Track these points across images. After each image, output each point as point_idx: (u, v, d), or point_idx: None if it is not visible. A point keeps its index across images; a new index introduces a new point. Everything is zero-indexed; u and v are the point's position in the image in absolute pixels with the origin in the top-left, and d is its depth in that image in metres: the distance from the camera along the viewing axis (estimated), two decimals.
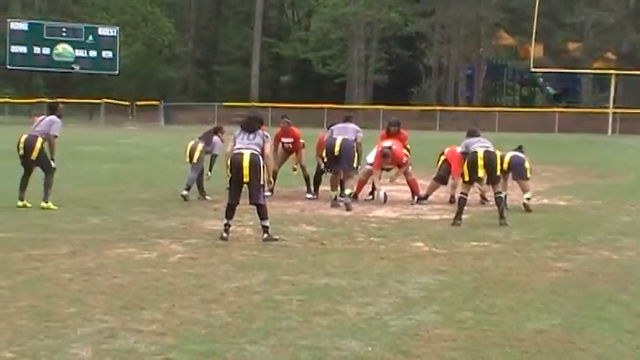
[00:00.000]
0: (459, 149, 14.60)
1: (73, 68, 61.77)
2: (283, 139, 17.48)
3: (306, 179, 17.32)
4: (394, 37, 67.15)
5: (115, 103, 60.68)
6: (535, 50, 58.48)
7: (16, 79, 65.93)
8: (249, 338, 6.79)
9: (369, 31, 67.22)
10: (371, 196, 16.97)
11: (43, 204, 14.30)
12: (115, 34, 62.92)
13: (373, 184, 16.86)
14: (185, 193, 15.85)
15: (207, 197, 16.18)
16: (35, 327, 6.98)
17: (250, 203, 11.70)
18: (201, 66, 76.21)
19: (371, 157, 16.78)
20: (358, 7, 63.45)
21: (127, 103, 61.56)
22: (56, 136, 14.53)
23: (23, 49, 60.57)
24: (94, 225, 12.80)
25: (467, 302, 8.15)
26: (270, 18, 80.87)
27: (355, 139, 15.79)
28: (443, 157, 16.80)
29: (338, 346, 6.61)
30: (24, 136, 14.54)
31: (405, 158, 16.39)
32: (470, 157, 13.72)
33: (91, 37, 61.71)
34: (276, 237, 11.67)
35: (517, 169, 15.55)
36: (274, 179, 16.40)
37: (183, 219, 13.50)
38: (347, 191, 15.62)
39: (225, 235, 11.54)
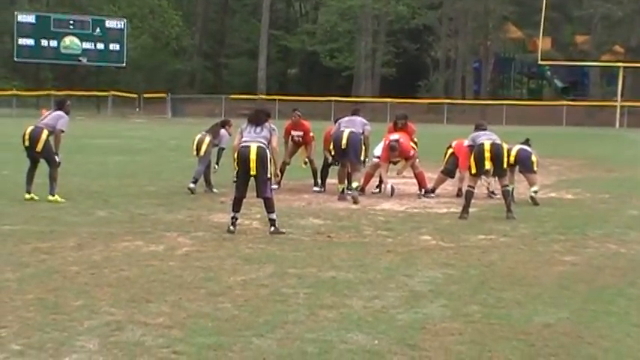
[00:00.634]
0: (466, 142, 14.58)
1: (80, 61, 61.86)
2: (293, 132, 17.49)
3: (314, 172, 17.32)
4: (402, 30, 67.12)
5: (123, 96, 60.80)
6: (543, 43, 58.40)
7: (24, 72, 66.09)
8: (255, 331, 6.79)
9: (376, 23, 67.23)
10: (378, 190, 16.96)
11: (50, 197, 14.32)
12: (123, 26, 62.97)
13: (380, 178, 16.84)
14: (192, 186, 15.86)
15: (214, 190, 16.18)
16: (42, 320, 6.98)
17: (257, 196, 11.69)
18: (209, 59, 76.25)
19: (378, 151, 16.76)
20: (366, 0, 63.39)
21: (134, 95, 61.68)
22: (63, 131, 14.54)
23: (30, 42, 60.66)
24: (101, 218, 12.81)
25: (474, 296, 8.14)
26: (278, 10, 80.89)
27: (363, 132, 15.77)
28: (450, 151, 16.78)
29: (345, 340, 6.61)
30: (29, 128, 14.55)
31: (412, 151, 16.37)
32: (477, 149, 13.69)
33: (98, 30, 61.76)
34: (283, 230, 11.67)
35: (524, 163, 15.52)
36: (282, 172, 16.43)
37: (191, 212, 13.50)
38: (354, 184, 15.60)
39: (232, 228, 11.54)
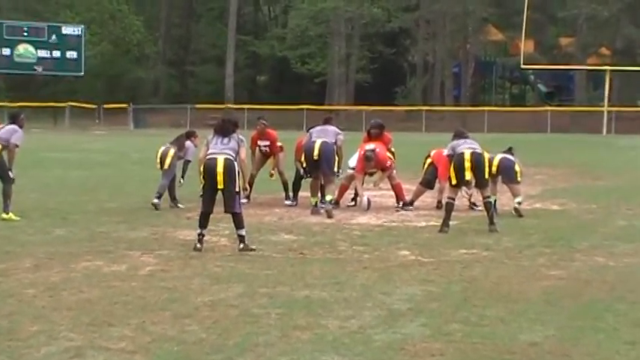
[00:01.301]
0: (445, 151, 14.62)
1: (35, 70, 61.49)
2: (260, 142, 17.48)
3: (285, 185, 17.32)
4: (377, 33, 67.23)
5: (81, 107, 60.49)
6: (525, 46, 58.67)
7: None
8: (225, 355, 6.78)
9: (350, 27, 67.28)
10: (353, 202, 16.97)
11: (4, 215, 14.24)
12: (80, 33, 62.66)
13: (356, 190, 16.86)
14: (156, 201, 15.82)
15: (179, 205, 16.14)
16: None
17: (225, 211, 11.68)
18: (173, 66, 76.07)
19: (353, 161, 16.78)
20: (338, 1, 63.47)
21: (93, 106, 61.37)
22: (17, 146, 14.49)
23: None
24: (59, 237, 12.75)
25: (456, 314, 8.16)
26: (245, 15, 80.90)
27: (335, 142, 15.81)
28: (429, 161, 16.83)
29: None
30: None
31: (388, 162, 16.40)
32: (456, 159, 13.74)
33: (54, 37, 61.40)
34: (254, 247, 11.66)
35: (507, 173, 15.58)
36: (251, 185, 16.41)
37: (155, 229, 13.47)
38: (328, 197, 15.62)
39: (199, 245, 11.52)
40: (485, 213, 13.84)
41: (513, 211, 15.38)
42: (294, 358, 6.71)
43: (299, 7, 67.99)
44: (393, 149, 17.12)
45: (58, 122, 60.15)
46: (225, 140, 11.70)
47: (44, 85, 66.13)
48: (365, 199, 16.34)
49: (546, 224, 14.43)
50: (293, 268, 10.40)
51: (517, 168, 15.68)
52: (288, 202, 17.07)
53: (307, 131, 16.70)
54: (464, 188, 14.75)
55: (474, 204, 16.17)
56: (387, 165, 16.40)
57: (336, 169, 15.98)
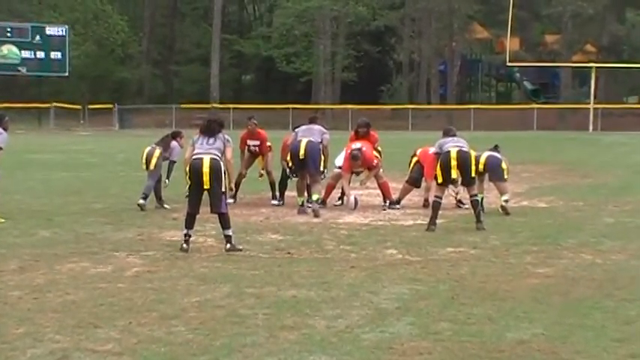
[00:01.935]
0: (432, 149, 14.62)
1: (19, 70, 61.28)
2: (249, 142, 17.49)
3: (272, 185, 17.32)
4: (362, 32, 67.23)
5: (66, 107, 60.34)
6: (511, 44, 58.75)
7: None
8: (212, 356, 6.77)
9: (335, 26, 67.27)
10: (340, 202, 16.97)
11: None
12: (64, 33, 62.44)
13: (342, 189, 16.86)
14: (142, 202, 15.78)
15: (165, 206, 16.12)
16: None
17: (212, 212, 11.68)
18: (158, 66, 75.93)
19: (339, 160, 16.78)
20: (323, 0, 63.46)
21: (78, 106, 61.21)
22: (1, 148, 14.44)
23: None
24: (44, 238, 12.71)
25: (443, 312, 8.17)
26: (230, 14, 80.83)
27: (321, 142, 15.81)
28: (415, 159, 16.84)
29: None
30: None
31: (375, 160, 16.41)
32: (443, 157, 13.76)
33: (38, 37, 61.18)
34: (240, 247, 11.65)
35: (494, 170, 15.60)
36: (238, 185, 16.41)
37: (141, 230, 13.44)
38: (315, 197, 15.62)
39: (185, 246, 11.51)
40: (472, 211, 13.86)
41: (500, 209, 15.40)
42: (281, 359, 6.71)
43: (284, 5, 67.90)
44: (379, 148, 17.13)
45: (42, 123, 59.98)
46: (211, 140, 11.69)
47: (28, 86, 65.93)
48: (352, 198, 16.33)
49: (533, 222, 14.46)
50: (280, 268, 10.39)
51: (504, 166, 15.71)
52: (274, 202, 17.07)
53: (293, 130, 16.70)
54: (450, 186, 14.76)
55: (461, 202, 16.19)
56: (374, 164, 16.40)
57: (322, 169, 15.99)
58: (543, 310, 8.29)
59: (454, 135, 14.38)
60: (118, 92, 68.46)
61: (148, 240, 12.53)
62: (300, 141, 15.73)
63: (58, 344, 7.07)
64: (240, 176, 16.95)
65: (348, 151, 16.36)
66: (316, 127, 16.22)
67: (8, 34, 60.87)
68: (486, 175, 15.72)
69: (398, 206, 16.42)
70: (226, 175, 11.65)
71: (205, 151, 11.59)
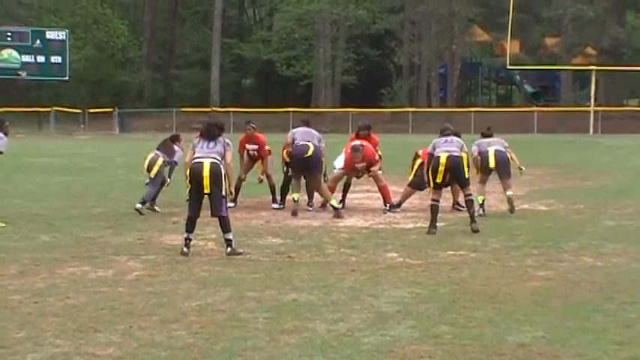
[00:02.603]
0: (428, 148, 14.50)
1: (19, 75, 61.28)
2: (248, 146, 17.49)
3: (272, 188, 17.31)
4: (362, 35, 67.30)
5: (66, 111, 60.35)
6: (511, 46, 58.78)
7: None
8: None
9: (335, 29, 67.30)
10: (341, 204, 16.96)
11: None
12: (65, 37, 62.45)
13: (344, 193, 16.90)
14: (139, 206, 15.76)
15: (156, 208, 16.11)
16: None
17: (212, 215, 11.69)
18: (158, 70, 75.93)
19: (339, 162, 16.81)
20: (323, 4, 63.47)
21: (78, 110, 61.21)
22: (1, 153, 14.46)
23: None
24: (44, 243, 12.70)
25: (444, 316, 8.17)
26: (230, 18, 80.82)
27: (320, 146, 16.00)
28: (419, 160, 16.79)
29: None
30: None
31: (376, 156, 16.46)
32: (433, 162, 13.80)
33: (38, 42, 61.18)
34: (241, 250, 11.65)
35: (504, 166, 15.69)
36: (238, 189, 16.43)
37: (141, 234, 13.44)
38: (333, 202, 15.71)
39: (185, 249, 11.50)
40: (467, 210, 13.87)
41: (507, 203, 15.45)
42: None
43: (284, 9, 67.93)
44: (380, 153, 17.13)
45: (42, 127, 59.98)
46: (211, 144, 11.70)
47: (28, 90, 65.94)
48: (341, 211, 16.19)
49: (534, 225, 14.45)
50: (280, 271, 10.39)
51: (512, 156, 15.86)
52: (275, 206, 17.06)
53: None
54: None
55: (459, 204, 16.17)
56: (376, 159, 16.43)
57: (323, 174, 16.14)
58: (544, 313, 8.29)
59: (449, 134, 14.33)
60: (118, 96, 68.47)
61: (149, 244, 12.52)
62: (306, 144, 15.82)
63: (59, 348, 7.07)
64: (240, 180, 16.96)
65: (348, 151, 16.40)
66: (314, 131, 16.34)
67: (8, 39, 60.86)
68: (489, 176, 15.79)
69: (398, 209, 16.41)
70: (226, 179, 11.65)
71: (205, 155, 11.59)
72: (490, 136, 16.34)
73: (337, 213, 15.50)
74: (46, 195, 19.28)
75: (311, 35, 67.19)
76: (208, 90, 68.31)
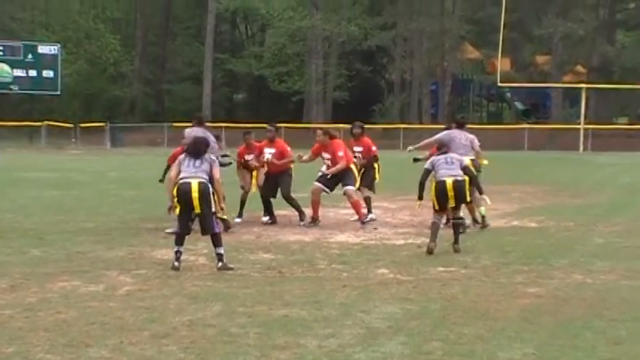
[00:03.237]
0: (426, 165, 14.34)
1: (11, 89, 61.24)
2: (247, 156, 17.56)
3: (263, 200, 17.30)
4: (354, 51, 67.45)
5: (58, 126, 60.24)
6: (502, 64, 58.95)
7: None
8: None
9: (327, 45, 67.41)
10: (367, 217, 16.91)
11: None
12: (57, 51, 62.44)
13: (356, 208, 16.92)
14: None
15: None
16: None
17: (203, 234, 11.73)
18: (150, 85, 75.87)
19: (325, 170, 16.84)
20: (315, 20, 63.60)
21: (70, 125, 61.12)
22: None
23: None
24: (35, 257, 12.67)
25: (435, 332, 8.17)
26: (222, 33, 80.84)
27: None
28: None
29: None
30: None
31: (341, 152, 16.47)
32: (439, 186, 13.43)
33: (30, 56, 61.15)
34: (232, 266, 11.64)
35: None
36: (243, 202, 16.76)
37: (132, 249, 13.42)
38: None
39: (176, 264, 11.50)
40: (453, 231, 13.69)
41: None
42: None
43: (276, 25, 68.06)
44: (378, 163, 17.46)
45: (34, 141, 59.83)
46: (197, 162, 11.74)
47: (20, 104, 65.81)
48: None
49: (524, 242, 14.46)
50: (272, 287, 10.39)
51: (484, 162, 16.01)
52: (265, 219, 17.04)
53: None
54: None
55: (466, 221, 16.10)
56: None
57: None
58: (534, 330, 8.30)
59: (445, 151, 14.16)
60: (110, 111, 68.40)
61: (140, 258, 12.51)
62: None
63: None
64: (245, 192, 17.11)
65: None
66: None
67: (0, 52, 60.85)
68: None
69: (372, 215, 16.74)
70: (214, 195, 11.68)
71: (192, 174, 11.61)
72: (464, 125, 16.31)
73: (226, 224, 15.14)
74: (38, 209, 19.24)
75: (303, 51, 67.32)
76: (200, 105, 68.22)
